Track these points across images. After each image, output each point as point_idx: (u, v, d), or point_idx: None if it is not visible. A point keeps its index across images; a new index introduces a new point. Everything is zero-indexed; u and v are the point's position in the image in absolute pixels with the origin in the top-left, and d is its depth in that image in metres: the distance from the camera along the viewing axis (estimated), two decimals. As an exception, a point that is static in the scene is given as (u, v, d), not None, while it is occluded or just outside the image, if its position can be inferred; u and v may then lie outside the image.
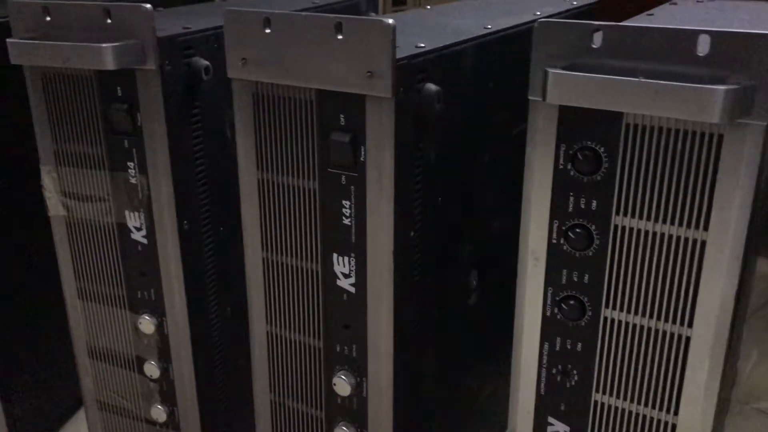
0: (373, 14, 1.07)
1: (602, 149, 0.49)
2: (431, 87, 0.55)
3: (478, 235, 0.72)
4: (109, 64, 0.59)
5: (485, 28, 0.66)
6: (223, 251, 0.74)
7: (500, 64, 0.68)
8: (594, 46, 0.47)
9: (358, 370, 0.61)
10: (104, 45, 0.59)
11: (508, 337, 0.90)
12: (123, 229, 0.68)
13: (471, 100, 0.64)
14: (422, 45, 0.56)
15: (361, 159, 0.54)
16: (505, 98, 0.71)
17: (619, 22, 0.67)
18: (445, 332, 0.69)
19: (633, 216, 0.49)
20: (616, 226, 0.50)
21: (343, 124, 0.54)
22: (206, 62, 0.66)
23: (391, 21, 0.49)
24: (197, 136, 0.68)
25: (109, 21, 0.61)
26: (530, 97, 0.50)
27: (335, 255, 0.58)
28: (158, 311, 0.71)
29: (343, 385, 0.61)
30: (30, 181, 0.83)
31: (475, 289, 0.74)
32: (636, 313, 0.51)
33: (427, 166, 0.58)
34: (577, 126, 0.49)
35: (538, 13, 0.77)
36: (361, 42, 0.51)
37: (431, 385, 0.68)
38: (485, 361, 0.82)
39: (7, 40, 0.62)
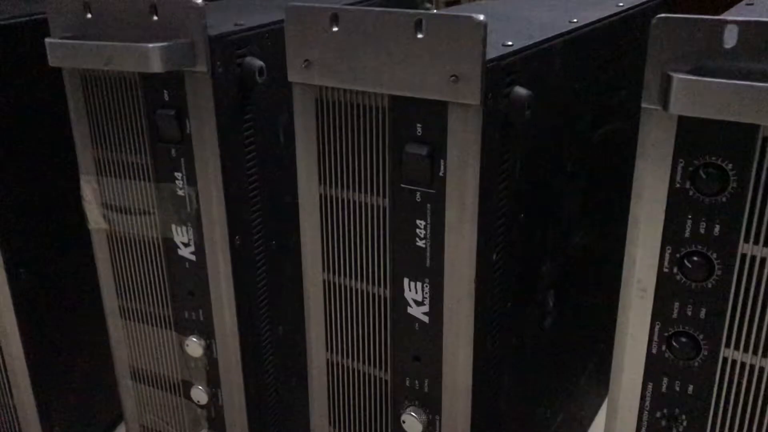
0: (428, 5, 1.00)
1: (730, 166, 0.41)
2: (521, 91, 0.48)
3: (557, 251, 0.65)
4: (156, 66, 0.54)
5: (571, 22, 0.59)
6: (275, 266, 0.68)
7: (587, 62, 0.61)
8: (726, 46, 0.39)
9: (431, 407, 0.55)
10: (150, 45, 0.53)
11: (581, 361, 0.83)
12: (169, 245, 0.63)
13: (556, 104, 0.57)
14: (510, 43, 0.49)
15: (440, 174, 0.48)
16: (590, 100, 0.64)
17: (706, 10, 0.60)
18: (520, 360, 0.62)
19: (766, 244, 0.42)
20: (743, 256, 0.43)
21: (419, 134, 0.48)
22: (260, 63, 0.60)
23: (482, 17, 0.43)
24: (249, 143, 0.62)
25: (155, 18, 0.55)
26: (644, 105, 0.43)
27: (407, 280, 0.52)
28: (207, 333, 0.65)
29: (413, 422, 0.55)
30: (72, 191, 0.78)
31: (551, 311, 0.67)
32: (765, 355, 0.44)
33: (511, 179, 0.52)
34: (701, 139, 0.42)
35: (621, 4, 0.70)
36: (446, 42, 0.44)
37: (506, 419, 0.61)
38: (558, 388, 0.75)
39: (46, 39, 0.57)
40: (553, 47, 0.54)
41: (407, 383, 0.55)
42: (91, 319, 0.85)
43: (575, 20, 0.60)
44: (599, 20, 0.62)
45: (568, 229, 0.67)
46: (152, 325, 0.67)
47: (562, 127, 0.60)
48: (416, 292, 0.52)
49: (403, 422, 0.55)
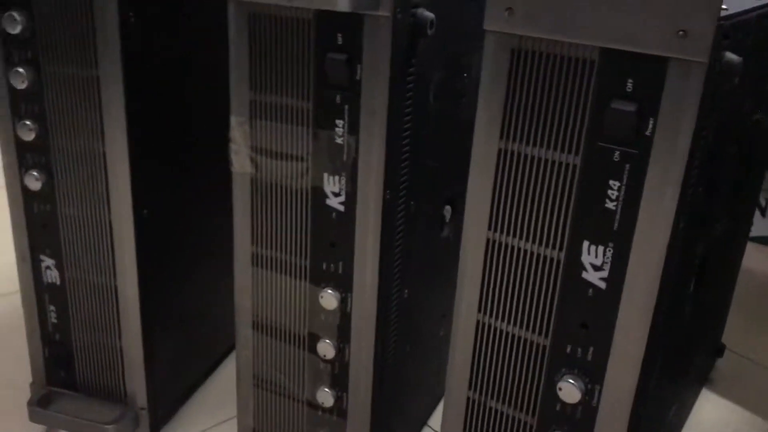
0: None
1: None
2: (733, 57, 0.47)
3: (705, 236, 0.64)
4: (343, 4, 0.53)
5: (756, -2, 0.58)
6: (411, 228, 0.67)
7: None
8: None
9: (592, 376, 0.53)
10: (341, -17, 0.52)
11: (693, 353, 0.82)
12: (318, 194, 0.62)
13: (751, 78, 0.56)
14: (725, 7, 0.48)
15: (647, 133, 0.47)
16: (758, 82, 0.63)
17: None
18: (669, 340, 0.61)
19: None
20: None
21: (629, 90, 0.46)
22: (432, 15, 0.59)
23: (725, -30, 0.41)
24: (409, 97, 0.61)
25: (342, -42, 0.54)
26: None
27: (587, 243, 0.51)
28: (343, 286, 0.64)
29: (571, 390, 0.54)
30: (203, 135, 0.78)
31: (691, 296, 0.66)
32: None
33: (704, 149, 0.50)
34: None
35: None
36: (680, -6, 0.43)
37: (651, 398, 0.60)
38: (678, 375, 0.74)
39: (226, -29, 0.56)
40: (752, 19, 0.53)
41: (568, 350, 0.54)
42: (204, 266, 0.85)
43: (761, -4, 0.58)
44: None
45: (716, 215, 0.66)
46: (285, 275, 0.66)
47: (737, 105, 0.58)
48: (596, 257, 0.51)
49: (560, 389, 0.54)
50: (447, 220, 0.77)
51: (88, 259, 0.75)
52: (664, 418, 0.72)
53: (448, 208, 0.77)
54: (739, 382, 0.98)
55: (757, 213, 1.40)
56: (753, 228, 1.41)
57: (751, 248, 1.36)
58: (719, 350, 0.98)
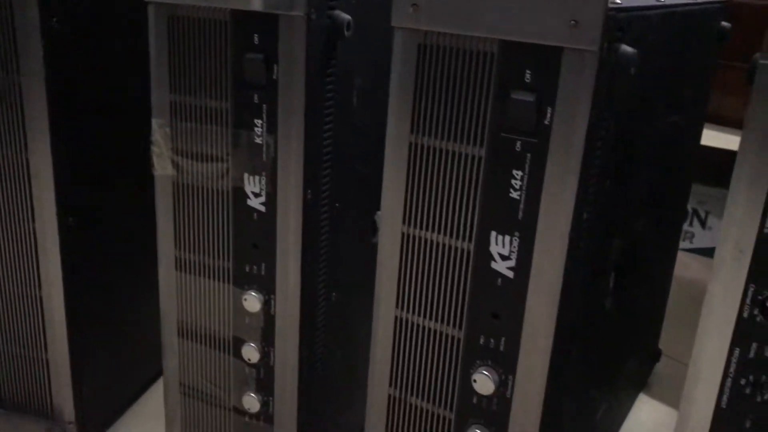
0: None
1: None
2: (628, 49, 0.48)
3: (622, 232, 0.65)
4: (257, 4, 0.54)
5: (657, 1, 0.60)
6: (336, 229, 0.68)
7: (671, 44, 0.62)
8: None
9: (505, 366, 0.54)
10: (253, -18, 0.53)
11: (625, 353, 0.83)
12: (239, 195, 0.62)
13: (644, 75, 0.58)
14: (618, 1, 0.49)
15: (545, 122, 0.48)
16: (666, 84, 0.65)
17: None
18: (585, 334, 0.62)
19: None
20: None
21: (528, 81, 0.48)
22: (348, 16, 0.60)
23: (608, -37, 0.43)
24: (329, 98, 0.62)
25: (255, -41, 0.55)
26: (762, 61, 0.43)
27: (494, 233, 0.52)
28: (267, 288, 0.64)
29: (485, 381, 0.54)
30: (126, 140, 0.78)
31: (611, 293, 0.67)
32: None
33: (606, 140, 0.52)
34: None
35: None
36: (569, -14, 0.44)
37: (569, 391, 0.61)
38: (605, 374, 0.75)
39: (142, -28, 0.57)
40: (651, 17, 0.55)
41: (481, 341, 0.54)
42: (133, 276, 0.84)
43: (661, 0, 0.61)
44: (684, 4, 0.63)
45: (634, 212, 0.67)
46: (209, 278, 0.66)
47: (643, 102, 0.60)
48: (503, 246, 0.52)
49: (474, 381, 0.55)
50: (378, 226, 0.77)
51: (13, 269, 0.74)
52: (590, 417, 0.72)
53: (379, 213, 0.77)
54: (678, 387, 1.00)
55: (699, 225, 1.44)
56: (695, 239, 1.45)
57: (692, 259, 1.40)
58: (656, 355, 0.99)
